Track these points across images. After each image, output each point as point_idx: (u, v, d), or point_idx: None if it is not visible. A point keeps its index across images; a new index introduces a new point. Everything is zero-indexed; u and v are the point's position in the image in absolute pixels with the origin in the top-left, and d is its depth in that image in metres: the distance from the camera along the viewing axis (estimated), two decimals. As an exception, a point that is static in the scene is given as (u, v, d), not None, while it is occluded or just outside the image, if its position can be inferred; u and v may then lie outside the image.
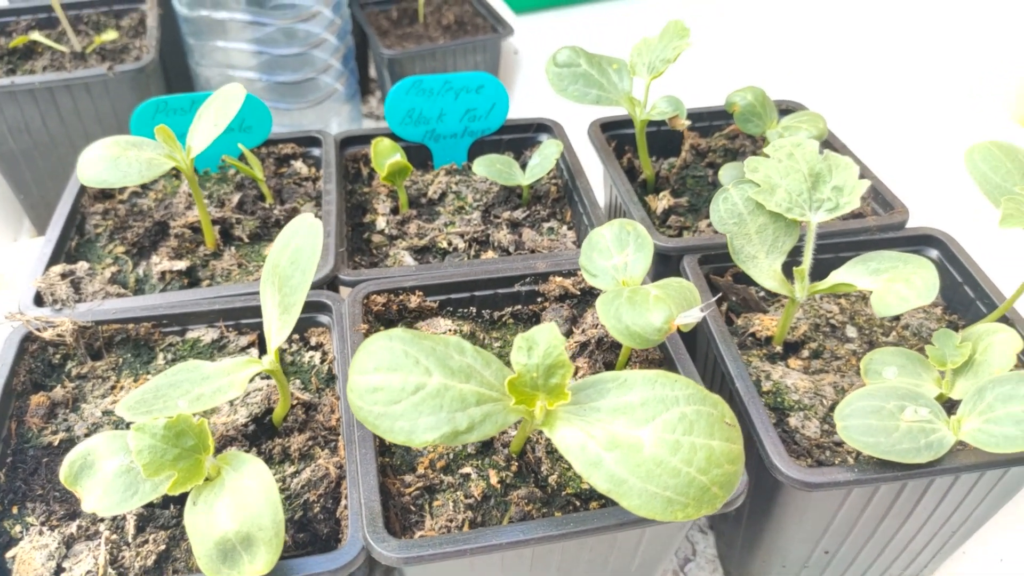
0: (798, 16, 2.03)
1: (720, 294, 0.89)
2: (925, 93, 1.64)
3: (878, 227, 0.93)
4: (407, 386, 0.56)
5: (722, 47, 1.87)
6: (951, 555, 0.90)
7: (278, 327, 0.61)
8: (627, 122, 1.13)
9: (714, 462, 0.55)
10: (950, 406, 0.70)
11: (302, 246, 0.62)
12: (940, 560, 0.89)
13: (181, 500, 0.66)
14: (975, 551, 0.95)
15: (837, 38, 1.94)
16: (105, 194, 1.00)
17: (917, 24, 1.97)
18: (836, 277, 0.76)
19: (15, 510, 0.66)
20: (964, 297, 0.88)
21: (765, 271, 0.77)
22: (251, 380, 0.75)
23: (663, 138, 1.13)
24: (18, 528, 0.64)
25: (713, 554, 0.99)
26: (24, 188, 1.33)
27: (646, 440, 0.56)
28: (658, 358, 0.79)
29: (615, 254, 0.72)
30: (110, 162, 0.77)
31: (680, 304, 0.64)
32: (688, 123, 0.99)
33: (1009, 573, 0.93)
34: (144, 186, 1.02)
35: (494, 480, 0.68)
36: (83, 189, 0.97)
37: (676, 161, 1.10)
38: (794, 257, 0.85)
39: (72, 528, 0.63)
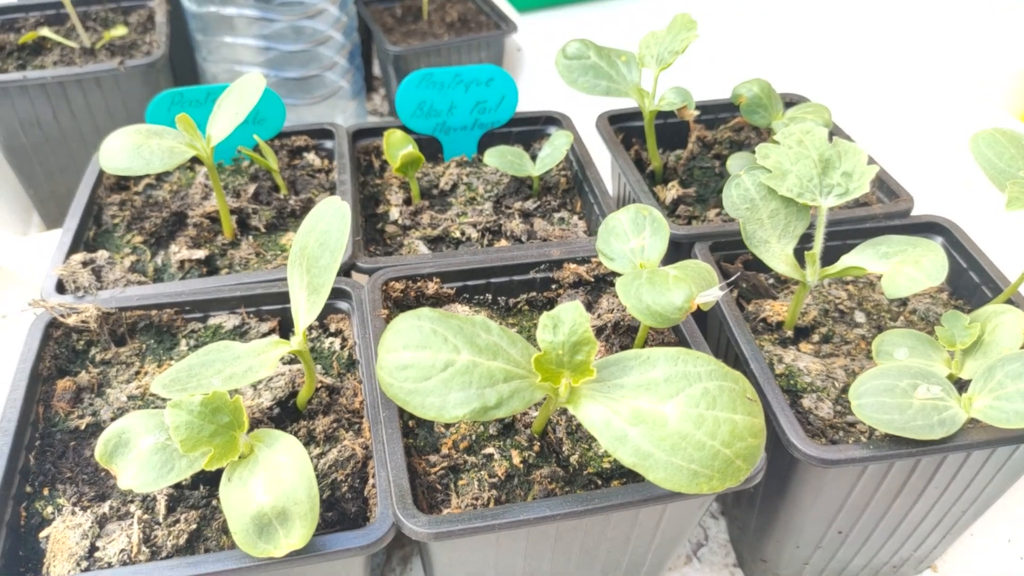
0: (802, 10, 2.06)
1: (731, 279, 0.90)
2: (927, 86, 1.66)
3: (884, 215, 0.95)
4: (437, 363, 0.57)
5: (727, 41, 1.89)
6: (959, 537, 0.92)
7: (307, 308, 0.62)
8: (634, 115, 1.14)
9: (737, 435, 0.57)
10: (960, 386, 0.72)
11: (329, 228, 0.63)
12: (949, 542, 0.91)
13: (210, 480, 0.67)
14: (983, 532, 0.97)
15: (841, 32, 1.96)
16: (121, 185, 1.00)
17: (919, 18, 1.99)
18: (846, 261, 0.78)
19: (46, 491, 0.66)
20: (969, 282, 0.90)
21: (777, 255, 0.79)
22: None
23: (669, 130, 1.15)
24: (50, 509, 0.65)
25: (725, 539, 1.00)
26: (34, 183, 1.34)
27: (670, 415, 0.57)
28: (673, 342, 0.80)
29: (632, 238, 0.73)
30: (133, 150, 0.78)
31: (699, 284, 0.65)
32: (696, 113, 1.00)
33: (1017, 554, 0.94)
34: (159, 178, 1.03)
35: (517, 460, 0.69)
36: (99, 180, 0.98)
37: (683, 153, 1.12)
38: (803, 244, 0.86)
39: (104, 508, 0.64)
